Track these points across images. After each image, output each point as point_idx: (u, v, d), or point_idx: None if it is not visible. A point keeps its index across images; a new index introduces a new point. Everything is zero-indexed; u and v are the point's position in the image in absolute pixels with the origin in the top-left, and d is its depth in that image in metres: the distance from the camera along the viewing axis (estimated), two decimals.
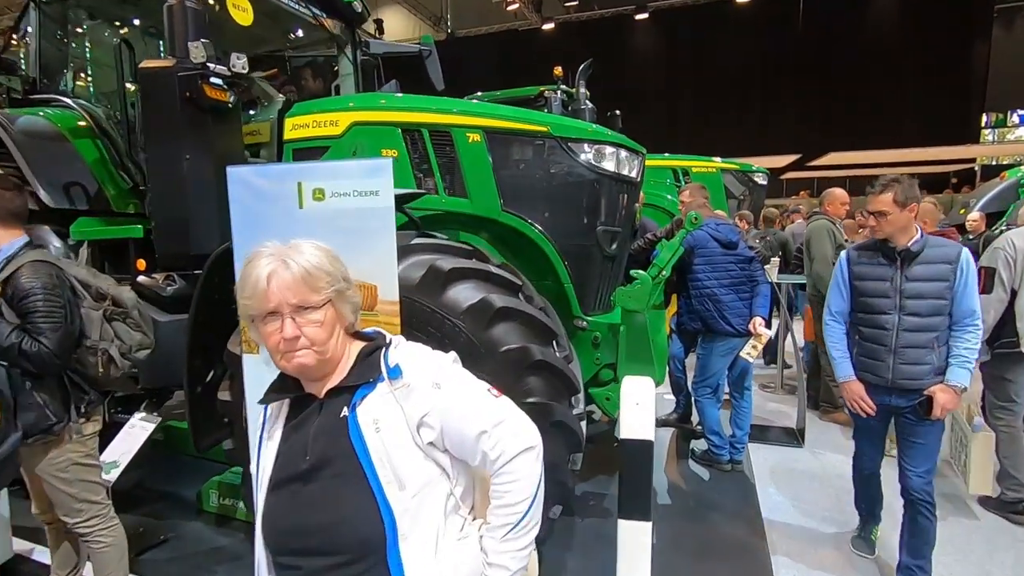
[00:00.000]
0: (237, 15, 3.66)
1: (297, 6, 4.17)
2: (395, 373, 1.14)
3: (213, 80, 2.89)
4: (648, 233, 4.32)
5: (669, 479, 3.84)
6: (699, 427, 4.07)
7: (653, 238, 4.16)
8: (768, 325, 3.69)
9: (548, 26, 20.91)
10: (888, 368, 2.49)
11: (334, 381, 1.17)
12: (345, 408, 1.13)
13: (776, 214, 7.67)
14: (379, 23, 23.08)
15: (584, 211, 3.05)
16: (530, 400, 2.24)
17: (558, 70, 8.31)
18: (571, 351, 2.66)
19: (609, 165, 3.01)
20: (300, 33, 4.53)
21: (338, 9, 4.41)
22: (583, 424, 2.58)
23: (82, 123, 3.56)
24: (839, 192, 4.91)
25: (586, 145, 2.99)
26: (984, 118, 19.05)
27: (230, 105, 2.99)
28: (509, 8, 20.00)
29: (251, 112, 4.17)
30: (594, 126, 3.10)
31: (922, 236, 2.48)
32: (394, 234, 1.66)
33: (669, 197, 8.38)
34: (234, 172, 1.74)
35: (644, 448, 1.87)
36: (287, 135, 3.53)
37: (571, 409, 2.46)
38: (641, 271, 2.88)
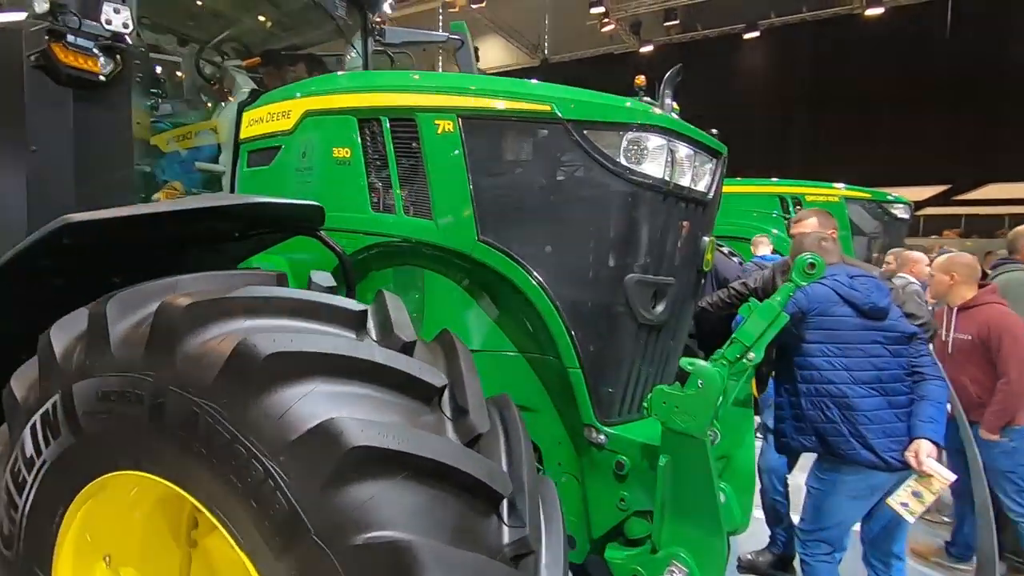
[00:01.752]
0: None
1: None
2: None
3: (75, 41, 2.01)
4: (736, 282, 2.92)
5: None
6: None
7: (742, 290, 2.76)
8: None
9: (646, 48, 19.75)
10: None
11: None
12: None
13: None
14: (475, 52, 23.23)
15: (608, 246, 1.79)
16: None
17: (640, 79, 7.10)
18: (543, 511, 1.37)
19: (653, 167, 1.74)
20: (297, 17, 3.72)
21: None
22: None
23: None
24: None
25: (615, 134, 1.75)
26: None
27: (103, 79, 2.09)
28: (604, 30, 19.09)
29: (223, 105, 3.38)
30: (632, 101, 1.85)
31: None
32: None
33: (775, 232, 6.82)
34: None
35: None
36: (243, 132, 2.69)
37: None
38: (700, 361, 1.56)
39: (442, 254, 2.05)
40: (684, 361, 1.59)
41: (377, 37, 3.84)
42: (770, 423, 3.02)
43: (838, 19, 17.10)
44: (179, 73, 3.29)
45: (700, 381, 1.60)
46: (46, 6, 1.90)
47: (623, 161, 1.73)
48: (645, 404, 1.63)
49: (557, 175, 1.82)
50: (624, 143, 1.73)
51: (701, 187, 1.92)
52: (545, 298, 1.80)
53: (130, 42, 2.18)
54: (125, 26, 2.09)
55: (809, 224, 2.53)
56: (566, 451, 1.99)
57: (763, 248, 5.13)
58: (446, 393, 1.30)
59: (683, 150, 1.81)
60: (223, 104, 3.26)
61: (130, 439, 1.26)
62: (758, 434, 2.88)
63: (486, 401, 1.51)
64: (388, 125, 2.12)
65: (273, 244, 2.16)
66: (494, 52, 21.74)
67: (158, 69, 3.34)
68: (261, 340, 1.11)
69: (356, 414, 1.09)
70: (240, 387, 1.11)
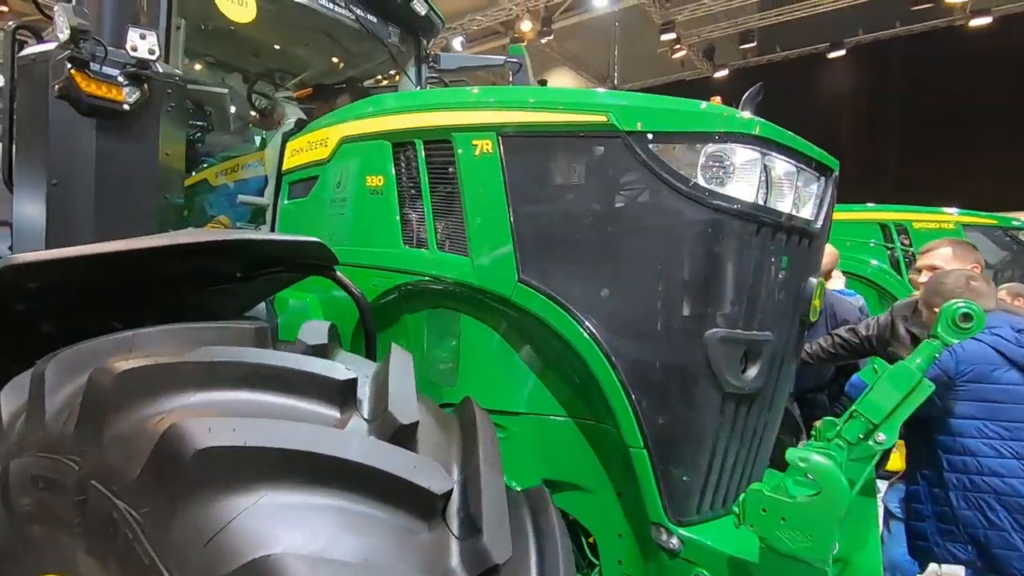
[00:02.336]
0: (230, 9, 2.79)
1: (333, 6, 3.23)
2: None
3: (99, 69, 1.90)
4: (843, 328, 2.39)
5: None
6: None
7: (851, 339, 2.24)
8: None
9: (721, 73, 19.07)
10: None
11: None
12: None
13: None
14: (543, 84, 23.47)
15: (683, 292, 1.39)
16: None
17: (716, 99, 6.62)
18: None
19: (742, 189, 1.34)
20: (348, 45, 3.62)
21: (392, 11, 3.40)
22: None
23: None
24: None
25: (691, 147, 1.37)
26: None
27: (127, 108, 1.97)
28: (675, 56, 18.65)
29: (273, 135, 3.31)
30: (709, 105, 1.47)
31: None
32: None
33: (874, 263, 6.02)
34: None
35: None
36: (285, 163, 2.56)
37: None
38: (817, 456, 1.12)
39: (480, 297, 1.73)
40: (793, 454, 1.15)
41: (431, 64, 3.67)
42: (893, 506, 2.43)
43: (936, 32, 15.77)
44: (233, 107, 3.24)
45: (812, 477, 1.15)
46: (68, 33, 1.80)
47: (702, 182, 1.34)
48: (736, 508, 1.20)
49: (616, 201, 1.47)
50: (703, 158, 1.34)
51: (805, 213, 1.49)
52: (599, 355, 1.42)
53: (159, 69, 2.07)
54: (151, 52, 1.97)
55: (941, 256, 1.98)
56: (629, 547, 1.57)
57: (834, 282, 4.48)
58: (454, 498, 0.95)
59: (782, 166, 1.40)
60: (273, 134, 3.17)
61: (55, 538, 0.99)
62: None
63: (519, 494, 1.14)
64: (422, 149, 1.87)
65: (290, 283, 1.93)
66: (563, 84, 21.86)
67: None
68: (193, 429, 0.81)
69: (312, 542, 0.76)
70: (164, 493, 0.81)
